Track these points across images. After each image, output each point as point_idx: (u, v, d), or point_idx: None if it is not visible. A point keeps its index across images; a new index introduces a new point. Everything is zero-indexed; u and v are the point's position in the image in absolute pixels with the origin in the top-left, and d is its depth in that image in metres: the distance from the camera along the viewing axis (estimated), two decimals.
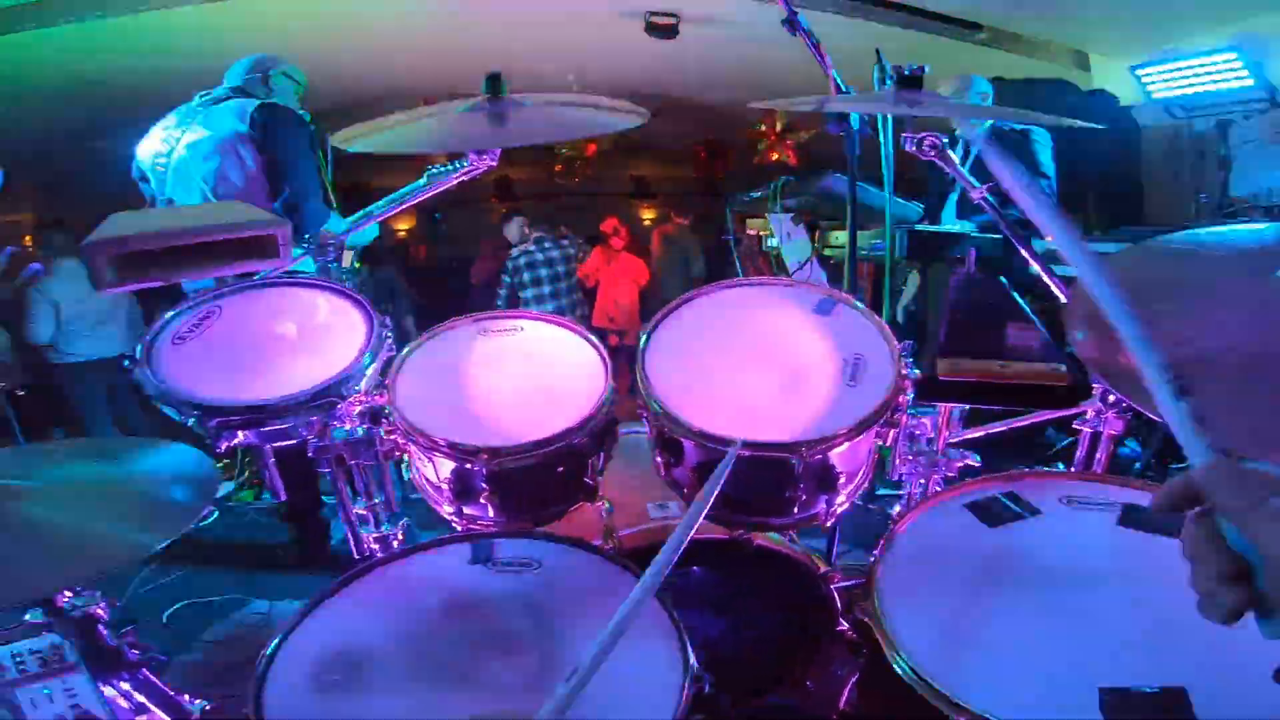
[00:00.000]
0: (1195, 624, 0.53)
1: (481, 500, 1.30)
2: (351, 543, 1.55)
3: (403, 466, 1.50)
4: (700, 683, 0.96)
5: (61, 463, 1.12)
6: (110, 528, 0.98)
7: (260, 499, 3.87)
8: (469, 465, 1.26)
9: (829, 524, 1.32)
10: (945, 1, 4.35)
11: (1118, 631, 0.91)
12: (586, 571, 1.17)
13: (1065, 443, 2.46)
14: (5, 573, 0.90)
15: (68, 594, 1.04)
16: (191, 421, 1.17)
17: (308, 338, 1.32)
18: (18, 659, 1.03)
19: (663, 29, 4.49)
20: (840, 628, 1.46)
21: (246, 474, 3.98)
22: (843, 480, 1.24)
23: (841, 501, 1.30)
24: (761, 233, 3.99)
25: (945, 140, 1.30)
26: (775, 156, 7.44)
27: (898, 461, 1.46)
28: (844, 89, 1.89)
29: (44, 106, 4.98)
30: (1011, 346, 1.26)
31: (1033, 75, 4.58)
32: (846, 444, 1.17)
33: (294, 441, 1.32)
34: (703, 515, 0.94)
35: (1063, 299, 1.30)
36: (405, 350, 1.41)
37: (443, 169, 1.62)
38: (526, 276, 5.03)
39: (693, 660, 0.97)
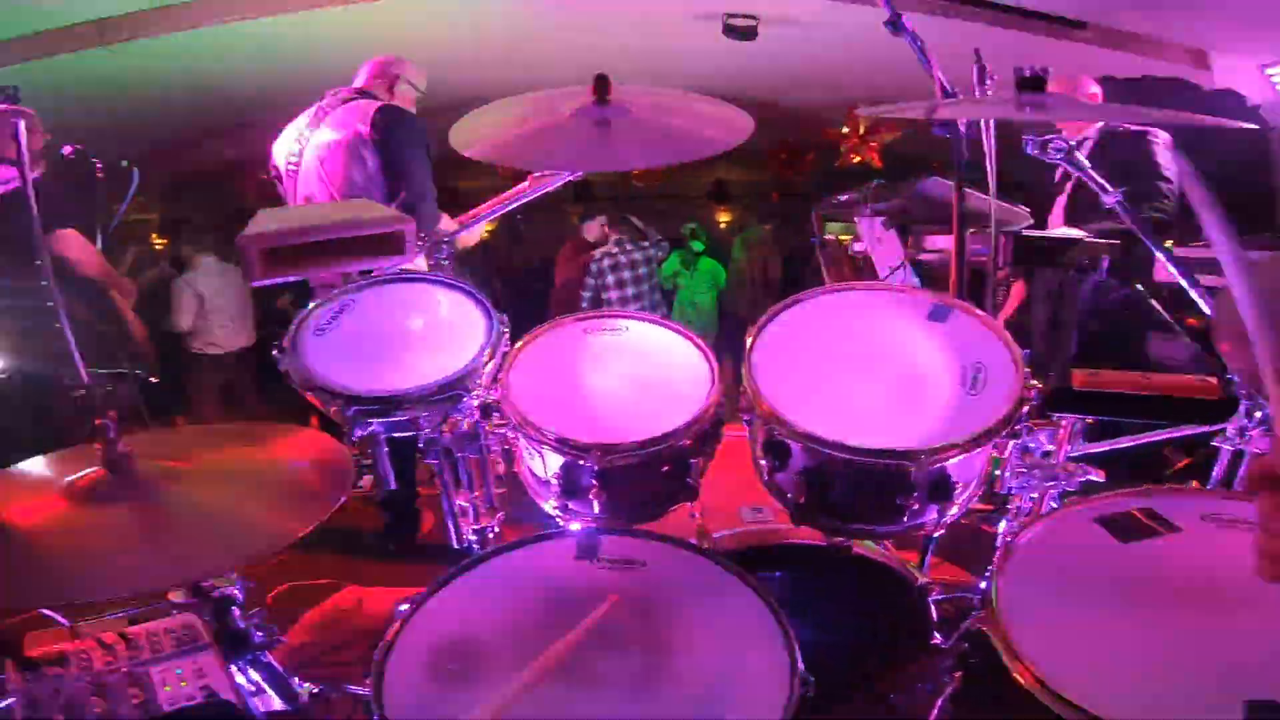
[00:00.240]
0: None
1: (589, 496, 1.33)
2: (451, 533, 1.61)
3: None
4: (807, 686, 0.96)
5: (215, 446, 1.19)
6: (258, 511, 1.02)
7: (355, 486, 4.03)
8: (581, 461, 1.28)
9: (936, 534, 1.29)
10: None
11: (1265, 649, 0.86)
12: (691, 571, 1.18)
13: (1184, 463, 2.32)
14: (167, 552, 0.96)
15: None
16: (333, 409, 1.25)
17: (433, 332, 1.39)
18: (153, 639, 1.07)
19: (741, 30, 4.43)
20: (934, 641, 1.43)
21: None
22: (958, 490, 1.21)
23: (954, 512, 1.26)
24: (841, 237, 3.91)
25: (1074, 143, 1.25)
26: (857, 159, 7.29)
27: (1007, 474, 1.41)
28: (950, 92, 1.84)
29: (165, 110, 5.34)
30: (1154, 357, 1.20)
31: (1146, 74, 4.33)
32: (965, 453, 1.14)
33: (410, 433, 1.39)
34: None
35: (1205, 308, 1.22)
36: (516, 347, 1.45)
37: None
38: (611, 279, 5.08)
39: (800, 662, 0.97)
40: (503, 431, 1.41)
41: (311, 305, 1.40)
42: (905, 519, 1.24)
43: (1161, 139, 2.75)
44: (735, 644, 1.05)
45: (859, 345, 1.34)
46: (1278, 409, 0.59)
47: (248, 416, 4.52)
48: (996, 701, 0.87)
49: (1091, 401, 1.20)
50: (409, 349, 1.36)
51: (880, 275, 3.10)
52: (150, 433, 1.20)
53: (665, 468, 1.36)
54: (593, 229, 5.38)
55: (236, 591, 1.23)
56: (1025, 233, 2.04)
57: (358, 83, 2.84)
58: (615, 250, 5.13)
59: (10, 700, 0.96)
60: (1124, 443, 1.40)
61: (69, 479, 1.04)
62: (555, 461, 1.34)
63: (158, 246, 6.79)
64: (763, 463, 1.35)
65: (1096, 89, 3.04)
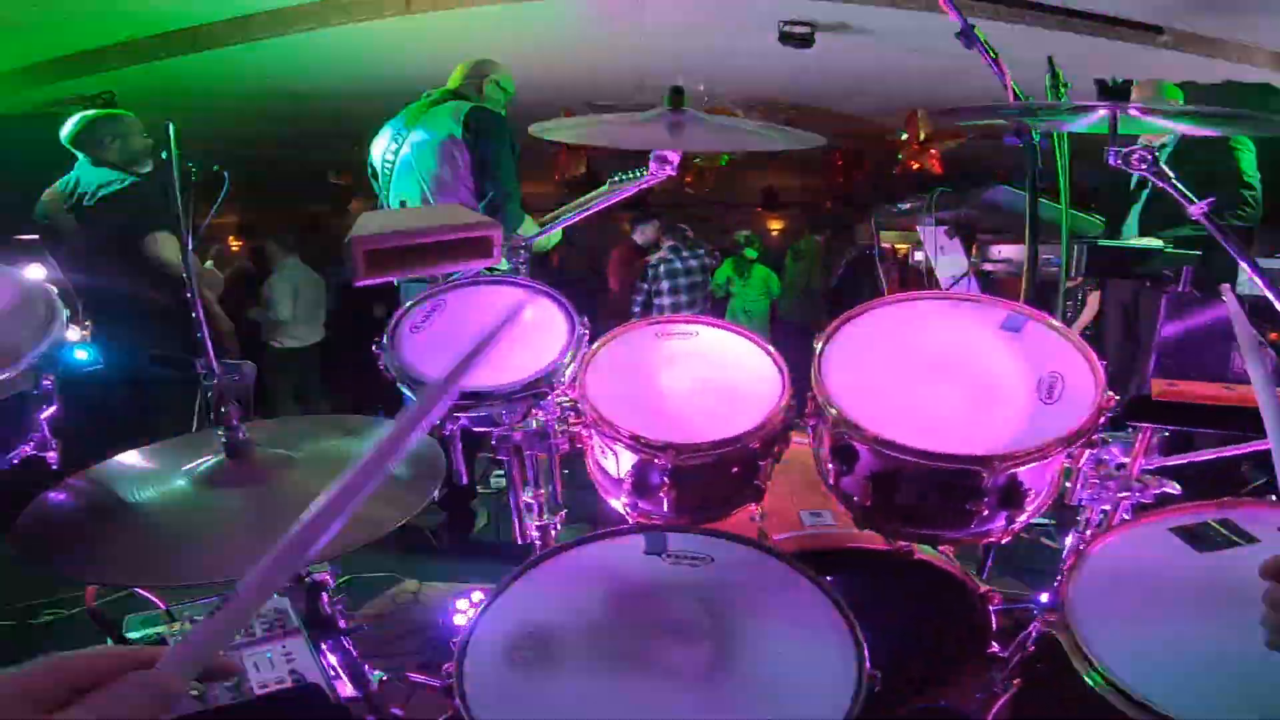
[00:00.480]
0: None
1: (659, 494, 1.37)
2: (516, 529, 1.66)
3: None
4: (874, 681, 0.98)
5: (315, 436, 1.26)
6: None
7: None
8: (655, 460, 1.33)
9: (1002, 540, 1.29)
10: (1121, 4, 4.06)
11: None
12: (758, 569, 1.20)
13: (1261, 480, 2.24)
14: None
15: None
16: None
17: (518, 332, 1.45)
18: None
19: (797, 38, 4.43)
20: (991, 649, 1.42)
21: None
22: (1029, 497, 1.21)
23: (1023, 519, 1.27)
24: (897, 245, 3.87)
25: (1157, 152, 1.24)
26: (916, 166, 7.17)
27: (1079, 486, 1.40)
28: (1025, 100, 1.83)
29: (245, 117, 5.61)
30: (1238, 368, 1.18)
31: (1228, 79, 4.16)
32: (1039, 461, 1.14)
33: (487, 429, 1.45)
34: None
35: None
36: (592, 349, 1.51)
37: (624, 176, 1.71)
38: (666, 285, 5.13)
39: (867, 658, 0.98)
40: (576, 430, 1.47)
41: (407, 304, 1.48)
42: (973, 525, 1.25)
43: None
44: (802, 638, 1.06)
45: (929, 353, 1.34)
46: None
47: (315, 410, 4.73)
48: (1060, 707, 0.88)
49: (1170, 412, 1.19)
50: (496, 347, 1.42)
51: (943, 285, 3.07)
52: (256, 423, 1.27)
53: (734, 469, 1.39)
54: (645, 234, 5.45)
55: (328, 577, 1.30)
56: (1100, 242, 2.01)
57: (450, 84, 2.96)
58: (670, 256, 5.19)
59: None
60: (1202, 455, 1.37)
61: (192, 464, 1.13)
62: (628, 460, 1.38)
63: (234, 247, 7.15)
64: (829, 466, 1.37)
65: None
